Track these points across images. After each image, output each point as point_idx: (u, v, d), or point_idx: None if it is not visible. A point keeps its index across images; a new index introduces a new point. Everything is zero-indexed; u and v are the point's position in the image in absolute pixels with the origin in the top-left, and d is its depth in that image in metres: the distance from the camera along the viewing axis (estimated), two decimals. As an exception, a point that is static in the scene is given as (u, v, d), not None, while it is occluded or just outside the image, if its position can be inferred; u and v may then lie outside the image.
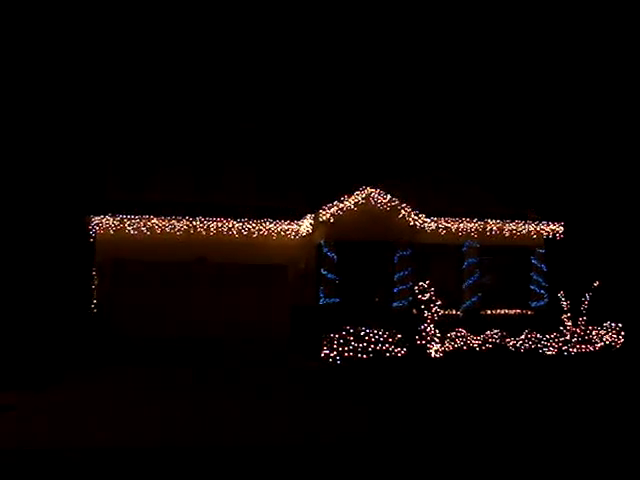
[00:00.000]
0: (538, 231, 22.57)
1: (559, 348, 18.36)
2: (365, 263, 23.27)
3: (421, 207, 21.20)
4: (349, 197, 20.81)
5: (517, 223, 22.28)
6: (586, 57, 32.69)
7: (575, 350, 18.44)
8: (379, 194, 20.98)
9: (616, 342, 19.10)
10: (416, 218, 21.02)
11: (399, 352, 16.20)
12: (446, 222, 21.69)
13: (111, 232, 20.29)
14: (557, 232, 22.66)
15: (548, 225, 22.61)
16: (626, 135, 32.59)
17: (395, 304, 21.05)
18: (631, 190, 31.82)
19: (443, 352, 16.97)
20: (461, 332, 17.70)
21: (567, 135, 31.50)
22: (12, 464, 7.61)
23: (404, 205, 20.96)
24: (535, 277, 22.54)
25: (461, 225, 21.85)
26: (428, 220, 21.16)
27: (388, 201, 20.93)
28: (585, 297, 19.11)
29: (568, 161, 31.65)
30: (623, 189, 32.09)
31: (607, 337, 19.05)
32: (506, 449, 8.51)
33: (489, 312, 22.17)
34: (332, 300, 20.63)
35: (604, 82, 32.51)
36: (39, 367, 13.93)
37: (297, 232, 21.65)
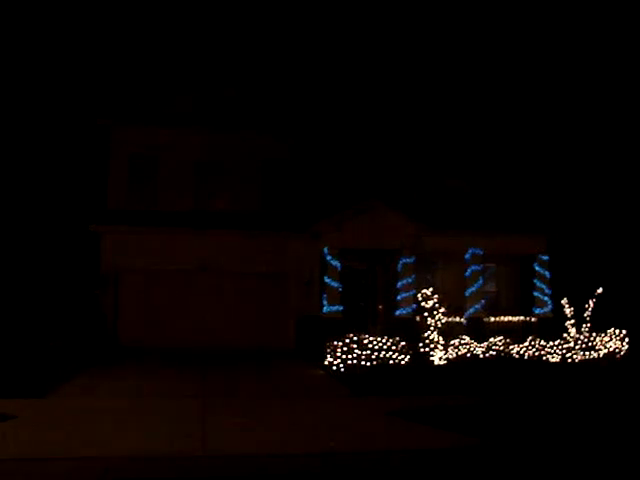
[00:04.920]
0: (541, 238, 22.56)
1: (563, 355, 18.31)
2: (368, 271, 23.34)
3: (424, 218, 21.25)
4: (353, 207, 20.92)
5: (520, 234, 22.28)
6: (592, 67, 32.73)
7: (579, 357, 18.38)
8: (383, 205, 21.06)
9: (620, 349, 19.03)
10: (419, 230, 21.07)
11: (402, 360, 16.18)
12: (449, 234, 21.65)
13: (115, 242, 20.34)
14: (559, 239, 22.67)
15: (549, 233, 22.63)
16: (628, 142, 32.60)
17: (398, 312, 21.07)
18: (635, 196, 31.79)
19: (447, 359, 16.95)
20: (464, 339, 17.68)
21: (569, 143, 31.53)
22: (13, 474, 7.62)
23: (407, 216, 21.04)
24: (538, 284, 22.51)
25: (464, 237, 21.85)
26: (431, 231, 21.20)
27: (391, 212, 21.00)
28: (589, 304, 19.05)
29: (571, 167, 31.67)
30: (626, 195, 32.06)
31: (611, 344, 18.97)
32: (508, 458, 8.52)
33: (492, 319, 22.16)
34: (336, 308, 20.67)
35: (605, 93, 32.55)
36: (41, 374, 13.94)
37: (301, 241, 21.60)
